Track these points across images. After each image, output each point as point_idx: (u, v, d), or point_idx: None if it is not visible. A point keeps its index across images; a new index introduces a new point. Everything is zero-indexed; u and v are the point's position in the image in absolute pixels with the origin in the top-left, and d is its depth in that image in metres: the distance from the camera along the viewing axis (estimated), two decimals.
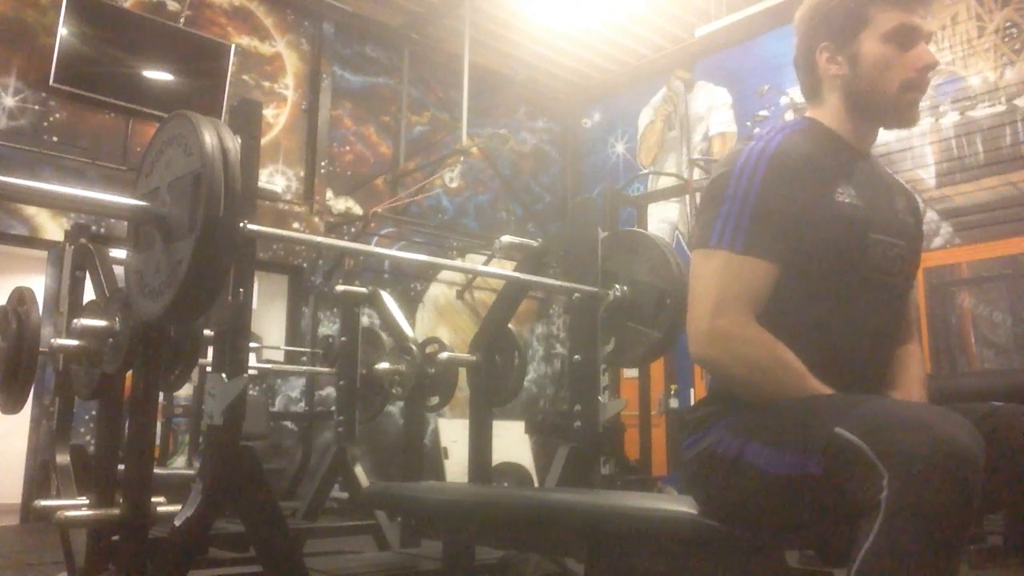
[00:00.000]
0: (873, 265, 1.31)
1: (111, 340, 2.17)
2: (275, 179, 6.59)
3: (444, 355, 2.99)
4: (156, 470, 2.24)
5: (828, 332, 1.30)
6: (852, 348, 1.32)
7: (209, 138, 1.59)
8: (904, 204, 1.44)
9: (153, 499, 2.07)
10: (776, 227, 1.25)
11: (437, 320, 7.41)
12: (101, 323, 2.19)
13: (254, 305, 2.09)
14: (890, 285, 1.36)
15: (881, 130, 1.45)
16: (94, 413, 3.58)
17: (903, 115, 1.36)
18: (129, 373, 2.15)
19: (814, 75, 1.40)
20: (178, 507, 1.83)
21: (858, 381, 1.28)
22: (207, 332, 2.40)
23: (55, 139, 5.54)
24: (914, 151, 5.92)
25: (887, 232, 1.33)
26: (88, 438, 4.43)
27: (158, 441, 4.01)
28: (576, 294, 2.51)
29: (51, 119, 5.55)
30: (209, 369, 1.96)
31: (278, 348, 6.26)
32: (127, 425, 2.20)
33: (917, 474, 0.95)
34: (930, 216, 5.88)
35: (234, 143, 1.64)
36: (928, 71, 1.33)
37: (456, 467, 6.61)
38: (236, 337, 1.84)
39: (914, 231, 1.44)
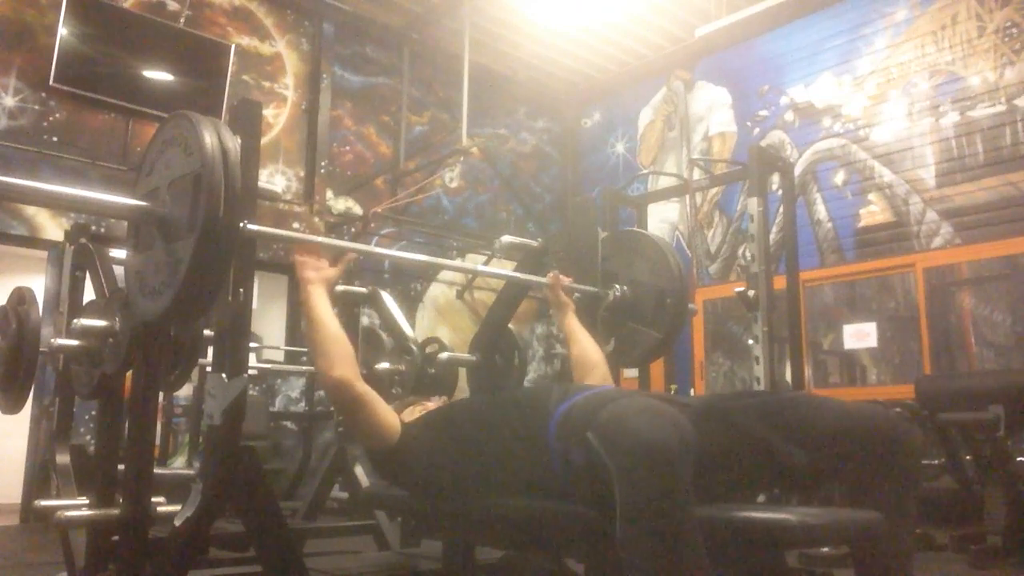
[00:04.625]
0: None
1: (111, 340, 2.17)
2: (275, 179, 6.59)
3: (444, 355, 2.99)
4: (156, 470, 2.24)
5: None
6: None
7: (209, 138, 1.60)
8: None
9: (153, 499, 2.06)
10: None
11: (437, 320, 7.41)
12: (101, 323, 2.19)
13: (254, 305, 2.08)
14: None
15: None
16: (94, 413, 3.58)
17: None
18: (129, 373, 2.15)
19: None
20: (178, 507, 1.83)
21: None
22: (207, 332, 2.40)
23: (55, 139, 5.54)
24: (914, 151, 5.91)
25: None
26: (88, 438, 4.43)
27: (158, 441, 4.00)
28: (576, 294, 2.52)
29: (51, 119, 5.55)
30: (209, 369, 1.96)
31: (278, 348, 6.25)
32: (127, 425, 2.20)
33: (627, 468, 1.28)
34: (930, 216, 5.88)
35: (234, 143, 1.64)
36: None
37: None
38: (236, 337, 1.84)
39: None
